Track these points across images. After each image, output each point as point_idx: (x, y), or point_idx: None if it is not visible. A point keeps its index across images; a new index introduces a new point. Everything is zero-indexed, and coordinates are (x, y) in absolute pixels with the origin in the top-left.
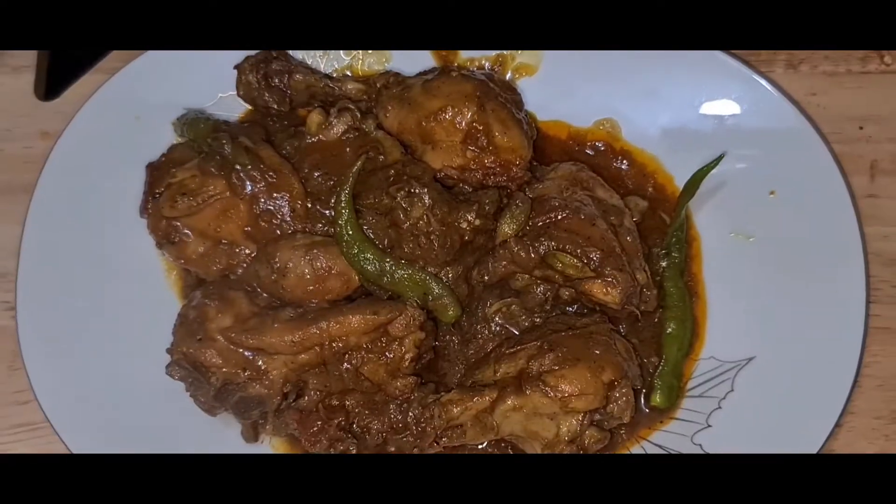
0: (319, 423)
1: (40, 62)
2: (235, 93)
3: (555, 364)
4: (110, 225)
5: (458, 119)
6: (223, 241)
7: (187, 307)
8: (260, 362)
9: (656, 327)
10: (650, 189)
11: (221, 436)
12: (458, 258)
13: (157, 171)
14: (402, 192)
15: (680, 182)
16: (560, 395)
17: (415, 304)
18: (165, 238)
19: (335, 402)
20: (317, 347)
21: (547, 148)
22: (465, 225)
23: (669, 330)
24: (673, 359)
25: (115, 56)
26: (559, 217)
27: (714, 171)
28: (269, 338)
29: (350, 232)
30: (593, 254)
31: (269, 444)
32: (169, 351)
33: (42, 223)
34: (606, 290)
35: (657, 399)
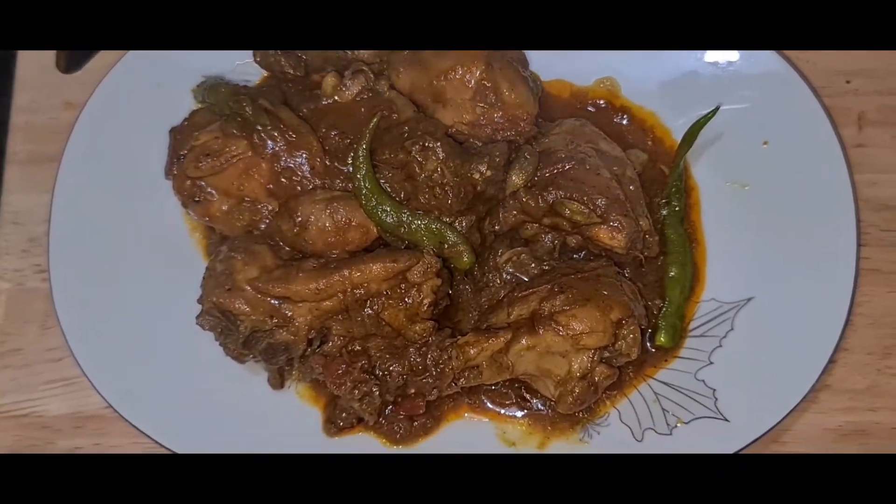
0: (343, 366)
1: None
2: (252, 60)
3: (565, 304)
4: (135, 188)
5: (467, 77)
6: (246, 199)
7: (214, 261)
8: (286, 310)
9: (659, 272)
10: (649, 142)
11: (249, 383)
12: (471, 208)
13: (181, 135)
14: (417, 147)
15: (677, 136)
16: (571, 333)
17: (431, 252)
18: (190, 197)
19: (357, 347)
20: (339, 294)
21: (551, 106)
22: (477, 176)
23: (672, 274)
24: (675, 301)
25: None
26: (566, 167)
27: (709, 123)
28: (295, 286)
29: (368, 185)
30: (599, 200)
31: (294, 390)
32: (199, 301)
33: (70, 188)
34: (612, 234)
35: (662, 339)
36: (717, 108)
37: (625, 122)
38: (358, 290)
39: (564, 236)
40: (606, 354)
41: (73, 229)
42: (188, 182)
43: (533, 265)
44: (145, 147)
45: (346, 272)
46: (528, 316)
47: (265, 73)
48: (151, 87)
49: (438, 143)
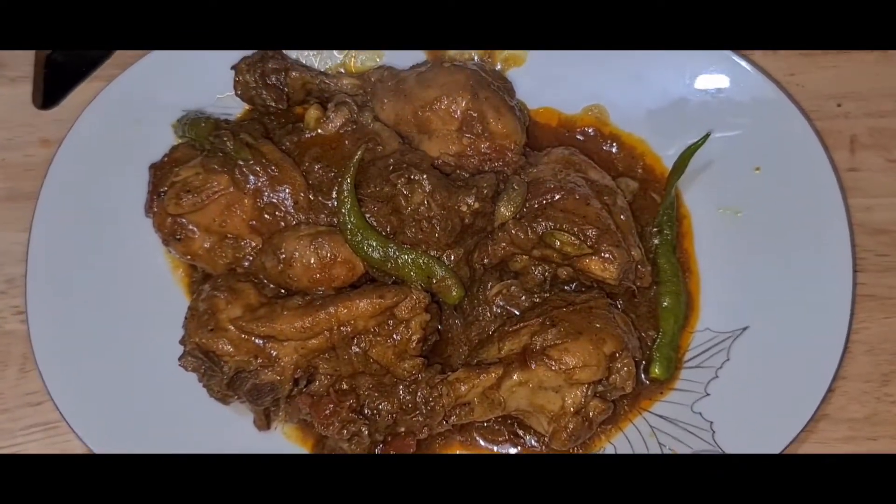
0: (331, 406)
1: (37, 72)
2: (233, 93)
3: (557, 338)
4: (115, 226)
5: (453, 108)
6: (229, 236)
7: (197, 300)
8: (271, 349)
9: (652, 302)
10: (639, 170)
11: (234, 425)
12: (459, 241)
13: (161, 171)
14: (403, 179)
15: (668, 163)
16: (564, 368)
17: (419, 288)
18: (171, 235)
19: (345, 386)
20: (326, 332)
21: (538, 135)
22: (464, 208)
23: (665, 304)
24: (670, 332)
25: (111, 63)
26: (555, 198)
27: (700, 150)
28: (279, 324)
29: (353, 220)
30: (590, 231)
31: (281, 432)
32: (181, 342)
33: (48, 227)
34: (604, 265)
35: (656, 371)
36: (707, 135)
37: (614, 149)
38: (345, 328)
39: (555, 268)
40: (600, 388)
41: (52, 269)
42: (169, 219)
43: (523, 298)
44: (124, 184)
45: (332, 309)
46: (519, 350)
47: (246, 107)
48: (130, 122)
49: (425, 176)
